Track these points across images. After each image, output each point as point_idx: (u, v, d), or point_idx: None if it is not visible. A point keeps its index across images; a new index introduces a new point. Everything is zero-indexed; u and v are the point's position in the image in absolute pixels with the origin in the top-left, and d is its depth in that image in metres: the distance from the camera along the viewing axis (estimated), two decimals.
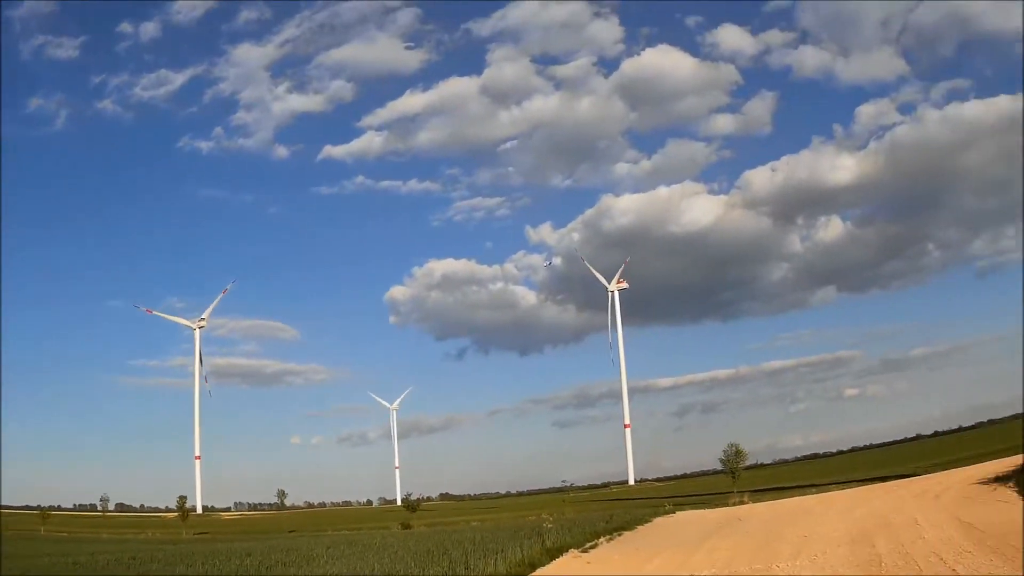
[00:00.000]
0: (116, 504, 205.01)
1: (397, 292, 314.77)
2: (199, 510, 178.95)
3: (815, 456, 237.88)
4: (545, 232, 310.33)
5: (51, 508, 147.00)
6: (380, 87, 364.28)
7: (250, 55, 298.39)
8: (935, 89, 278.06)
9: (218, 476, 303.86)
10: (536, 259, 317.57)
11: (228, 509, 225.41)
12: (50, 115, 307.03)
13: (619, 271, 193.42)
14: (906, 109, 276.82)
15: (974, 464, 54.68)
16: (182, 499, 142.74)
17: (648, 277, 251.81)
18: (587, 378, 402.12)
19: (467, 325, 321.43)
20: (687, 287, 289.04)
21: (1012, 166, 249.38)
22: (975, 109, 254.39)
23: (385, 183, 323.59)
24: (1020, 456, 42.79)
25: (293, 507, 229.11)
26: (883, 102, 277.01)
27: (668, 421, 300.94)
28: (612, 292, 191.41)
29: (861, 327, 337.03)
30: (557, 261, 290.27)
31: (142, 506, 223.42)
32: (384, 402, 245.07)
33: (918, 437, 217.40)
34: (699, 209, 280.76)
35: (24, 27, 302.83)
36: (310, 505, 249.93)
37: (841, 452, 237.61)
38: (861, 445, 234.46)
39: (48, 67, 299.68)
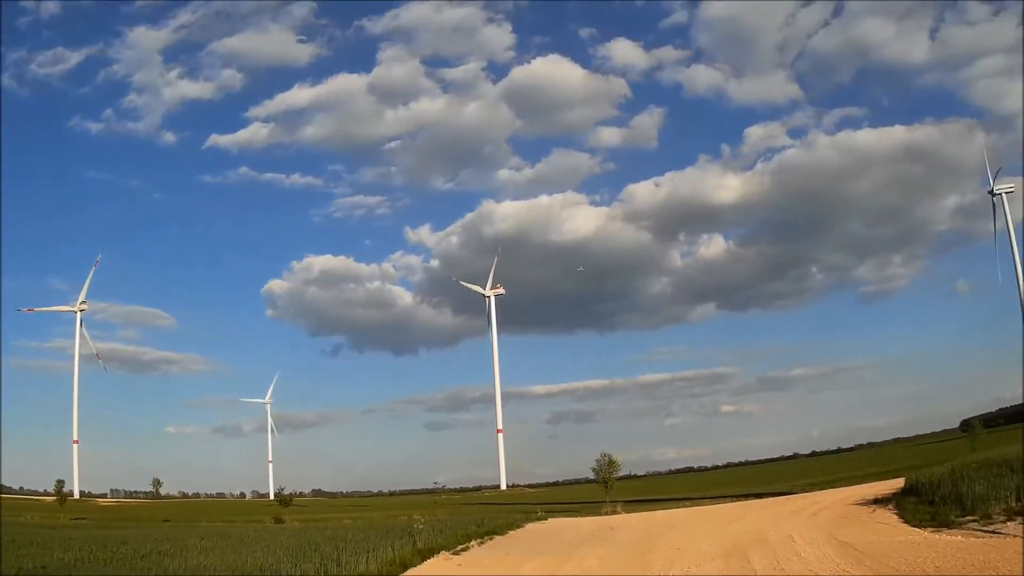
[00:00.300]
0: None
1: (275, 285, 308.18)
2: (76, 495, 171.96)
3: (690, 469, 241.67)
4: (424, 234, 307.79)
5: None
6: (270, 78, 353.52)
7: (145, 38, 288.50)
8: (828, 115, 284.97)
9: (95, 461, 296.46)
10: (414, 260, 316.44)
11: (104, 495, 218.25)
12: None
13: (492, 267, 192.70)
14: (797, 133, 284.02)
15: (852, 485, 54.99)
16: (60, 483, 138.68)
17: (526, 285, 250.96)
18: (461, 382, 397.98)
19: (343, 322, 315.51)
20: (565, 296, 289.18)
21: (903, 195, 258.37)
22: (868, 137, 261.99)
23: (268, 175, 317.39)
24: (900, 479, 42.81)
25: (168, 496, 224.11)
26: (774, 125, 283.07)
27: (542, 428, 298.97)
28: (489, 297, 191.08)
29: (740, 345, 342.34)
30: (435, 263, 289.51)
31: (21, 488, 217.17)
32: (256, 400, 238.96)
33: (795, 456, 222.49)
34: (580, 219, 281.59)
35: None
36: (184, 495, 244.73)
37: (716, 467, 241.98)
38: (737, 461, 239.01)
39: None
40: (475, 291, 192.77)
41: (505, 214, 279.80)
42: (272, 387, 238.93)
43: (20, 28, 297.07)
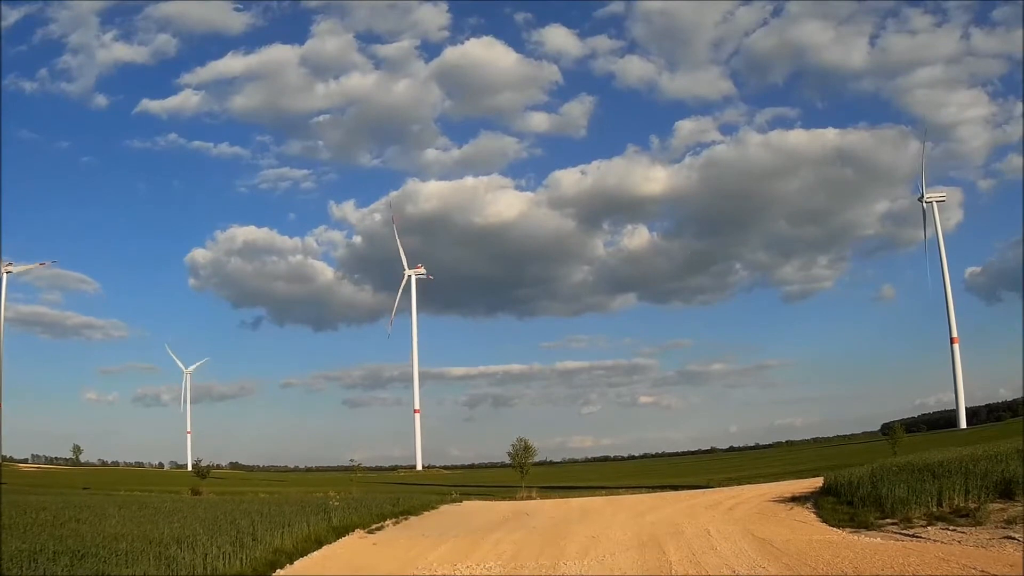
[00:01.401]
0: None
1: (198, 255, 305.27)
2: None
3: (606, 459, 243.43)
4: (348, 209, 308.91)
5: None
6: (203, 46, 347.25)
7: None
8: (761, 114, 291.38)
9: (17, 426, 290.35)
10: (337, 235, 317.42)
11: (26, 460, 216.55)
12: None
13: (397, 238, 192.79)
14: (728, 130, 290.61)
15: (770, 482, 55.18)
16: None
17: (446, 266, 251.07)
18: (379, 359, 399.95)
19: (264, 295, 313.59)
20: (485, 280, 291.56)
21: (832, 198, 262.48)
22: (799, 138, 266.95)
23: (196, 143, 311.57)
24: (819, 479, 42.92)
25: (87, 464, 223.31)
26: (705, 120, 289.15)
27: (458, 411, 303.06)
28: (409, 276, 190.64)
29: (660, 337, 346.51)
30: (358, 240, 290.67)
31: None
32: (180, 362, 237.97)
33: (713, 450, 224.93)
34: (504, 203, 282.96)
35: None
36: (104, 463, 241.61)
37: (633, 457, 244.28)
38: (653, 452, 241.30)
39: None
40: (400, 261, 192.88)
41: (429, 194, 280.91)
42: (198, 365, 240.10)
43: None
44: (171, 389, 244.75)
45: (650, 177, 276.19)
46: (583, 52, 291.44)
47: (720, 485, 61.39)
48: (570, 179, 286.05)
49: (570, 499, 55.53)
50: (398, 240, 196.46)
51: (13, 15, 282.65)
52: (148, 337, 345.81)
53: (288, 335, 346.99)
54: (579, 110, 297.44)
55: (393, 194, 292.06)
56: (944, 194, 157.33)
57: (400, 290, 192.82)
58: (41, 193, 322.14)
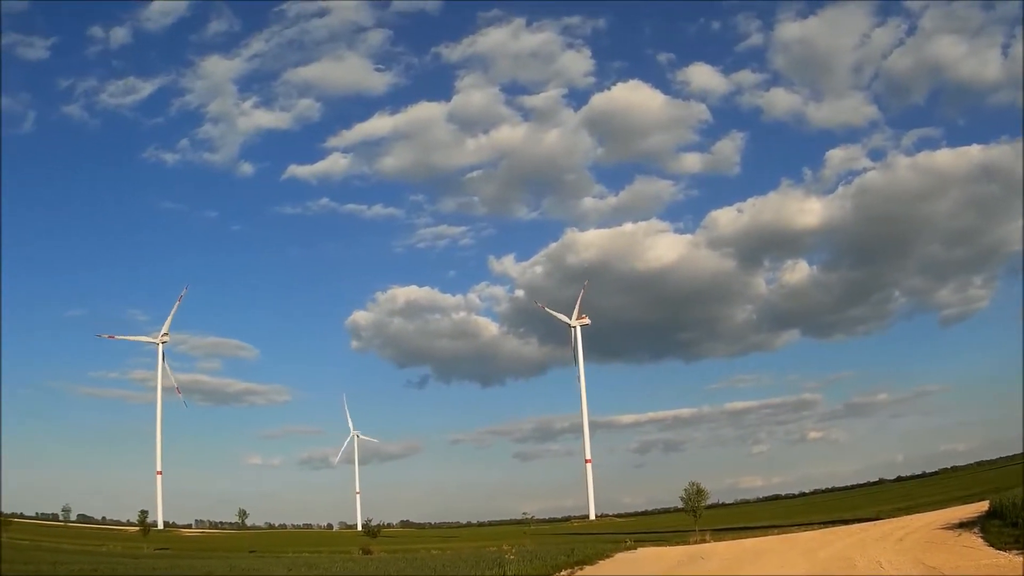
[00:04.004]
0: (78, 515, 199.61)
1: (359, 317, 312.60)
2: (160, 525, 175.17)
3: (776, 497, 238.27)
4: (508, 263, 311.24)
5: (12, 515, 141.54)
6: (347, 108, 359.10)
7: (218, 68, 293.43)
8: (906, 136, 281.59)
9: (179, 492, 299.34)
10: (499, 290, 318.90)
11: (189, 526, 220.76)
12: (18, 116, 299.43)
13: (579, 298, 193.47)
14: (876, 155, 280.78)
15: (937, 510, 55.06)
16: (143, 513, 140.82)
17: (610, 314, 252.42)
18: (549, 412, 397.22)
19: (428, 353, 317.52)
20: (648, 325, 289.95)
21: (981, 216, 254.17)
22: (945, 158, 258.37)
23: (349, 206, 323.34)
24: (985, 503, 43.14)
25: (254, 527, 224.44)
26: (853, 147, 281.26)
27: (629, 458, 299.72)
28: (574, 327, 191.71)
29: (824, 371, 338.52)
30: (520, 294, 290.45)
31: (104, 518, 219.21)
32: (350, 420, 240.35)
33: (881, 481, 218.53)
34: (663, 247, 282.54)
35: None
36: (271, 526, 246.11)
37: (803, 494, 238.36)
38: (823, 488, 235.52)
39: (17, 66, 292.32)
40: (560, 320, 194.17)
41: (589, 242, 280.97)
42: (347, 411, 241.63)
43: (89, 57, 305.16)
44: (337, 451, 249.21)
45: (805, 209, 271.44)
46: (728, 88, 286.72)
47: (889, 516, 61.28)
48: (727, 218, 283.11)
49: (743, 540, 56.12)
50: (551, 312, 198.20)
51: (147, 88, 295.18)
52: (311, 400, 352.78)
53: (455, 392, 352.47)
54: (730, 147, 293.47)
55: (552, 245, 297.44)
56: None
57: (571, 342, 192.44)
58: (192, 262, 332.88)
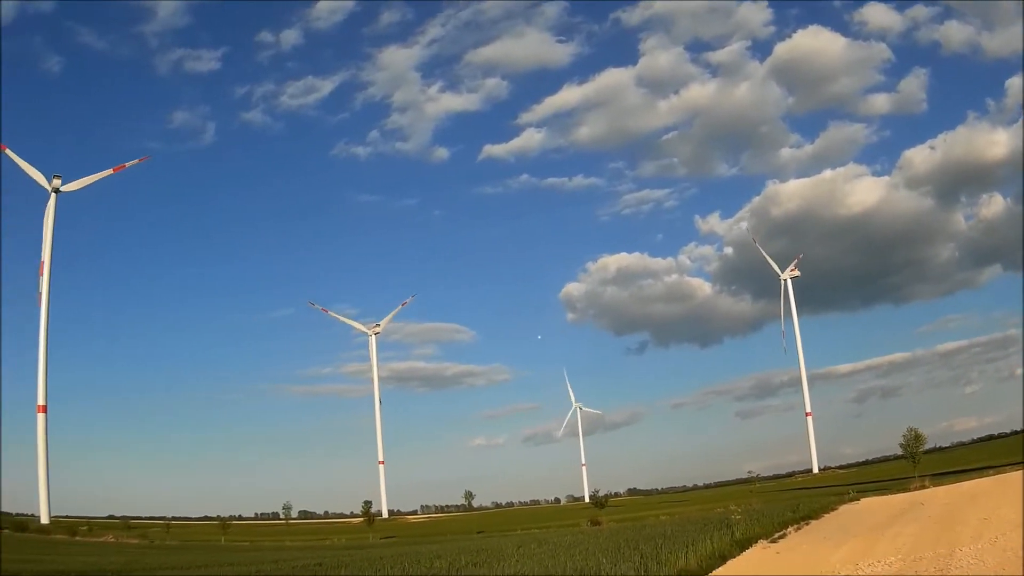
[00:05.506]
0: (299, 512, 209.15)
1: (572, 288, 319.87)
2: (384, 514, 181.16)
3: (990, 437, 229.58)
4: (714, 222, 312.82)
5: (232, 518, 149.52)
6: (534, 82, 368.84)
7: (397, 57, 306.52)
8: None
9: (402, 480, 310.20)
10: (707, 250, 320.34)
11: (414, 512, 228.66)
12: (197, 128, 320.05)
13: (793, 263, 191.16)
14: None
15: None
16: (367, 504, 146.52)
17: (817, 263, 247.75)
18: (766, 367, 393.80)
19: (644, 319, 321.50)
20: (855, 271, 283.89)
21: None
22: None
23: (550, 180, 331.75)
24: None
25: (480, 508, 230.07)
26: None
27: (847, 408, 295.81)
28: (785, 280, 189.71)
29: None
30: (728, 251, 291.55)
31: (326, 512, 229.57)
32: (572, 393, 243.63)
33: None
34: (863, 191, 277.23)
35: (160, 43, 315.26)
36: (497, 505, 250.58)
37: (1015, 432, 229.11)
38: None
39: (188, 81, 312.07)
40: (773, 268, 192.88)
41: (791, 193, 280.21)
42: (568, 385, 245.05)
43: (262, 62, 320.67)
44: (559, 425, 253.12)
45: (993, 141, 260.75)
46: (905, 25, 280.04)
47: None
48: (920, 156, 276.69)
49: (960, 483, 55.45)
50: (764, 253, 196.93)
51: (327, 85, 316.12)
52: (530, 377, 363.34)
53: (673, 355, 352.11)
54: (915, 84, 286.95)
55: (755, 199, 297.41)
56: None
57: (781, 297, 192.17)
58: (397, 253, 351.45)
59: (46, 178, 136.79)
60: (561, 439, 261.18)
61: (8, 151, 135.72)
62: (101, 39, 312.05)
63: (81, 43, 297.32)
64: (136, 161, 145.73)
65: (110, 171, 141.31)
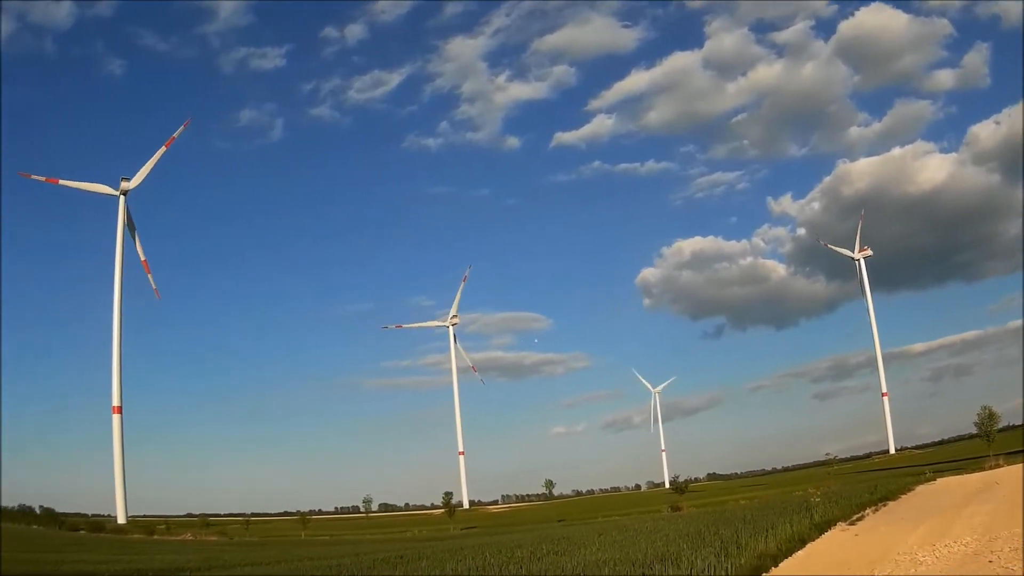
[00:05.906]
0: (379, 505, 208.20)
1: (648, 274, 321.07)
2: (465, 505, 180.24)
3: None
4: (786, 203, 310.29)
5: (312, 512, 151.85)
6: (602, 69, 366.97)
7: (464, 48, 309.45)
8: None
9: (482, 470, 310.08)
10: (781, 231, 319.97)
11: (495, 502, 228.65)
12: (265, 126, 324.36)
13: (858, 229, 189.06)
14: None
15: None
16: (447, 495, 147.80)
17: (889, 242, 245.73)
18: (842, 348, 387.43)
19: (720, 302, 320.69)
20: (927, 249, 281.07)
21: None
22: None
23: (622, 166, 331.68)
24: None
25: (561, 496, 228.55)
26: None
27: (923, 387, 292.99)
28: (858, 260, 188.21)
29: None
30: (802, 232, 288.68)
31: (407, 505, 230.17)
32: (647, 383, 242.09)
33: None
34: (932, 168, 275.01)
35: (223, 42, 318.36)
36: (578, 493, 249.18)
37: None
38: None
39: (254, 79, 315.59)
40: (844, 255, 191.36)
41: (862, 172, 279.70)
42: (665, 385, 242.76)
43: (327, 58, 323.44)
44: (640, 411, 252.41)
45: None
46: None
47: None
48: (986, 132, 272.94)
49: None
50: (835, 248, 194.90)
51: (394, 78, 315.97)
52: (610, 364, 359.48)
53: (750, 338, 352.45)
54: (978, 59, 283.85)
55: (826, 179, 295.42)
56: None
57: (857, 276, 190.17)
58: (470, 243, 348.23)
59: (112, 185, 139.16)
60: (641, 425, 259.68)
61: (62, 181, 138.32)
62: (163, 41, 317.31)
63: (143, 46, 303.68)
64: (181, 128, 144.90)
65: (163, 148, 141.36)
